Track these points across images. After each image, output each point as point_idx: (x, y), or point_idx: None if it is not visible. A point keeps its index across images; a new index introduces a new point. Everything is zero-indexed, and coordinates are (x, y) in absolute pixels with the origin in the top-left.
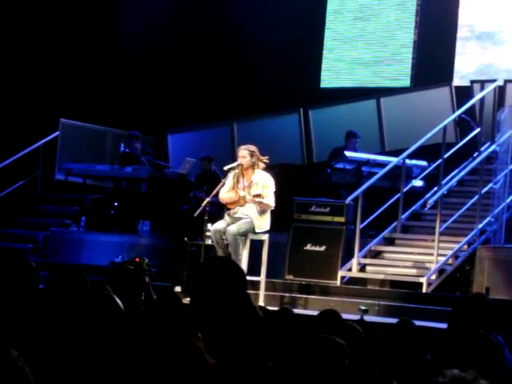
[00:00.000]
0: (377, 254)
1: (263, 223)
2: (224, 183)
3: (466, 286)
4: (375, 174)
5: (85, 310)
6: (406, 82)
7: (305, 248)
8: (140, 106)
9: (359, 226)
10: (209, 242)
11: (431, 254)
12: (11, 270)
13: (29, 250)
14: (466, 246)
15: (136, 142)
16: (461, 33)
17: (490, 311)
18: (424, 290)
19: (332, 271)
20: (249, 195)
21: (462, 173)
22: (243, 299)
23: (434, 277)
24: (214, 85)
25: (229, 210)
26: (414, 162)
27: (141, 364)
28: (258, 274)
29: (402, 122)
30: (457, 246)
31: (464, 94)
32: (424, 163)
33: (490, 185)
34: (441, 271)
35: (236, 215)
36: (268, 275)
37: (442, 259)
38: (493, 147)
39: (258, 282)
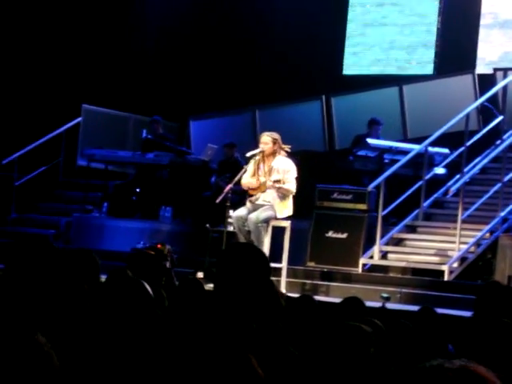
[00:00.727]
0: (399, 242)
1: (284, 209)
2: (246, 170)
3: (488, 274)
4: (397, 161)
5: (109, 295)
6: (429, 69)
7: (326, 235)
8: (162, 92)
9: (381, 214)
10: (230, 228)
11: (453, 242)
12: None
13: (51, 235)
14: (488, 234)
15: (158, 127)
16: (484, 20)
17: None
18: (446, 278)
19: (354, 258)
20: (269, 181)
21: (485, 160)
22: (267, 285)
23: (455, 265)
24: (236, 71)
25: (250, 196)
26: (436, 149)
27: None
28: (280, 261)
29: (424, 110)
30: (479, 234)
31: (487, 81)
32: (446, 151)
33: None
34: (463, 259)
35: (257, 202)
36: (290, 262)
37: (464, 247)
38: None
39: (280, 269)
